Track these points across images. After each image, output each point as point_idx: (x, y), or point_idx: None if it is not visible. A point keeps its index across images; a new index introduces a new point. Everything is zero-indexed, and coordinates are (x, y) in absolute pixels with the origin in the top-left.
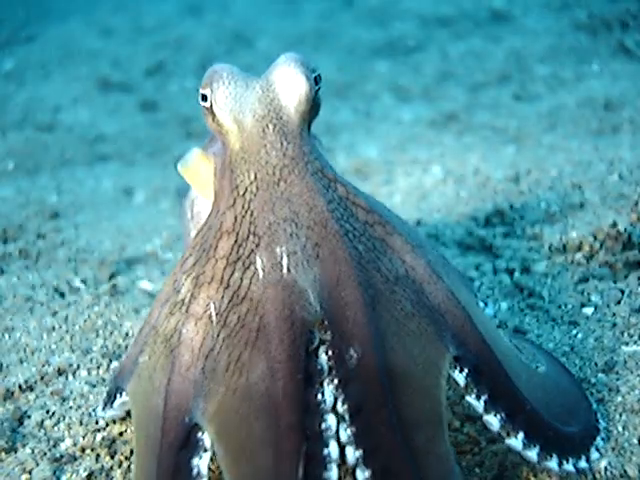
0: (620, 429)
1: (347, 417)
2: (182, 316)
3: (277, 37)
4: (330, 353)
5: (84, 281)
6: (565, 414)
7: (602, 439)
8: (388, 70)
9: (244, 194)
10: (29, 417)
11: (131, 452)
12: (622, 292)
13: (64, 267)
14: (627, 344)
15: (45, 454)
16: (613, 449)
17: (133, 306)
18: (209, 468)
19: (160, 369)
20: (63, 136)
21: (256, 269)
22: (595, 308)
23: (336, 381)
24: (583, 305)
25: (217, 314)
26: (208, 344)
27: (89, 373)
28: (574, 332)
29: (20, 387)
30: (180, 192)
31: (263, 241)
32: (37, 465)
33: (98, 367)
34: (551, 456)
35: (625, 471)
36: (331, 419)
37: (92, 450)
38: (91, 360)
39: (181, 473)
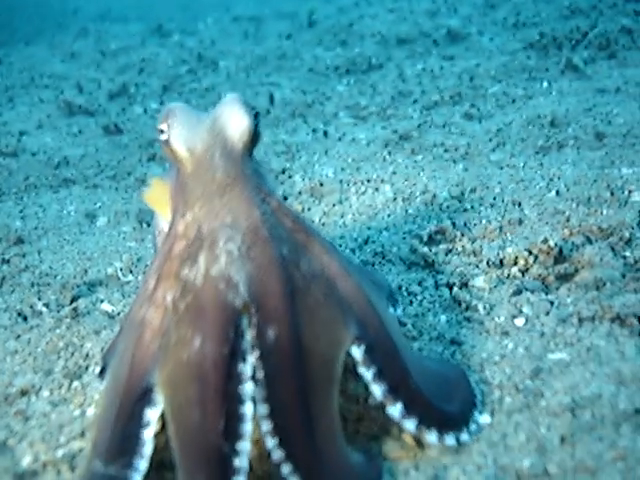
0: (543, 430)
1: (262, 382)
2: (146, 305)
3: (240, 58)
4: (254, 332)
5: (46, 305)
6: (447, 396)
7: (479, 412)
8: (347, 89)
9: (193, 206)
10: None
11: None
12: (552, 303)
13: (27, 291)
14: (553, 352)
15: (8, 470)
16: (536, 449)
17: (94, 328)
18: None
19: (129, 347)
20: (27, 161)
21: (200, 265)
22: (526, 319)
23: (257, 354)
24: (515, 317)
25: (172, 302)
26: (164, 325)
27: (51, 393)
28: (505, 342)
29: None
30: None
31: (206, 242)
32: None
33: (60, 387)
34: (429, 429)
35: (546, 469)
36: (249, 386)
37: (53, 465)
38: (53, 381)
39: (134, 419)
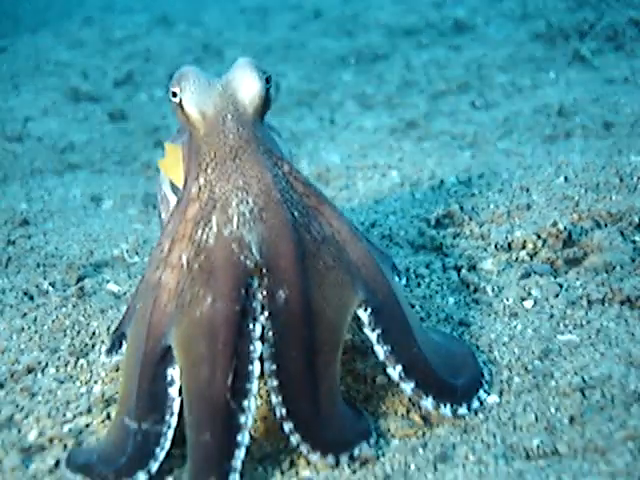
0: (553, 410)
1: (270, 342)
2: (162, 267)
3: (246, 48)
4: (264, 293)
5: (52, 284)
6: (451, 370)
7: (485, 392)
8: (353, 79)
9: (206, 169)
10: (0, 412)
11: (97, 441)
12: (561, 286)
13: (33, 272)
14: (562, 333)
15: (14, 445)
16: (545, 429)
17: (100, 307)
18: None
19: (146, 310)
20: (33, 146)
21: (212, 226)
22: (535, 301)
23: (266, 314)
24: (524, 299)
25: (187, 262)
26: (180, 286)
27: (57, 370)
28: (514, 324)
29: None
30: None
31: (219, 204)
32: (7, 454)
33: (66, 365)
34: (426, 395)
35: (556, 449)
36: (258, 345)
37: (60, 440)
38: (59, 358)
39: (158, 379)
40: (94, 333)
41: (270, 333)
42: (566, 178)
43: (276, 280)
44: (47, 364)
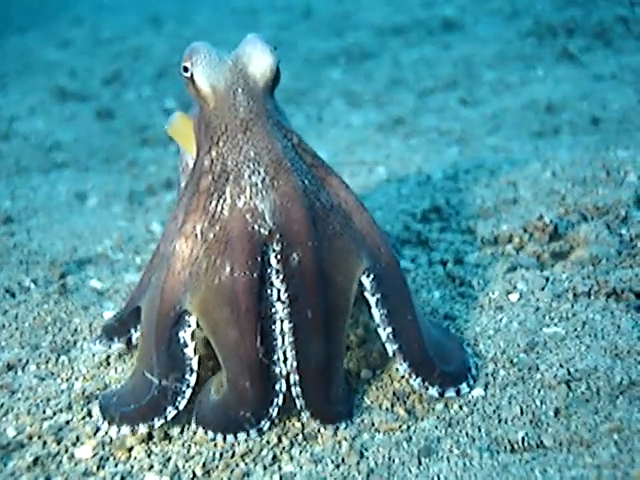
0: (538, 403)
1: (287, 302)
2: (176, 236)
3: (235, 47)
4: (279, 257)
5: (34, 281)
6: (442, 357)
7: (469, 384)
8: (341, 77)
9: (217, 142)
10: None
11: (77, 438)
12: (547, 279)
13: (15, 269)
14: (548, 326)
15: None
16: (530, 421)
17: (82, 304)
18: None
19: (160, 278)
20: (19, 145)
21: (226, 197)
22: (520, 295)
23: (282, 276)
24: (509, 292)
25: (200, 233)
26: (194, 255)
27: (38, 367)
28: (500, 317)
29: None
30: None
31: (232, 176)
32: None
33: (47, 361)
34: (404, 361)
35: (542, 441)
36: (278, 305)
37: (39, 437)
38: (40, 355)
39: (172, 341)
40: (76, 330)
41: (285, 294)
42: (553, 173)
43: (290, 243)
44: (28, 361)
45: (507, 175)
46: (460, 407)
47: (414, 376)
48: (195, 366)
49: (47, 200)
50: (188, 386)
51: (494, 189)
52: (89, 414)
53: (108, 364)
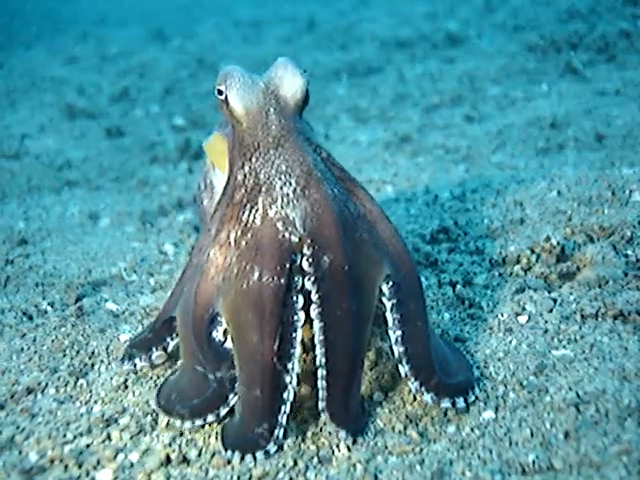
0: (548, 426)
1: (318, 302)
2: (210, 246)
3: (240, 61)
4: (310, 260)
5: (51, 304)
6: (443, 368)
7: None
8: (347, 92)
9: (250, 158)
10: (0, 433)
11: (97, 462)
12: (554, 301)
13: (32, 291)
14: (557, 348)
15: (15, 466)
16: (541, 444)
17: (99, 326)
18: None
19: (195, 284)
20: (30, 163)
21: (259, 208)
22: (529, 316)
23: (313, 278)
24: (518, 314)
25: (234, 241)
26: (227, 261)
27: (57, 391)
28: (509, 339)
29: None
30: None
31: (264, 188)
32: (8, 476)
33: (65, 385)
34: (415, 379)
35: (552, 464)
36: (301, 314)
37: (60, 461)
38: (59, 378)
39: (210, 340)
40: (93, 352)
41: (317, 295)
42: (559, 192)
43: (321, 247)
44: (47, 384)
45: (514, 194)
46: (472, 429)
47: (413, 379)
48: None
49: (60, 221)
50: (232, 374)
51: (501, 209)
52: (108, 437)
53: (126, 387)
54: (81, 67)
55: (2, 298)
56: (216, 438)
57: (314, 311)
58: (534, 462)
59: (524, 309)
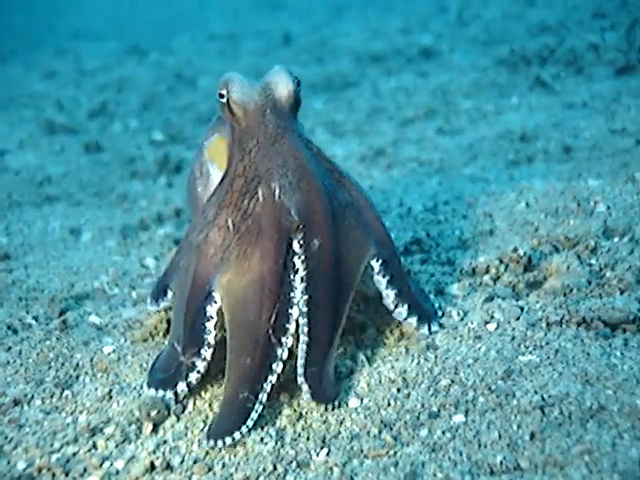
0: (515, 428)
1: (305, 278)
2: (208, 227)
3: (218, 75)
4: (301, 242)
5: (35, 318)
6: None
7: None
8: (323, 107)
9: (250, 152)
10: None
11: (84, 470)
12: (522, 309)
13: (16, 305)
14: (523, 354)
15: (5, 475)
16: (508, 445)
17: (82, 339)
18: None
19: (192, 262)
20: (10, 179)
21: (259, 197)
22: (497, 324)
23: (303, 257)
24: (487, 322)
25: (232, 224)
26: (226, 243)
27: (43, 402)
28: (478, 346)
29: None
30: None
31: (263, 179)
32: None
33: (51, 396)
34: (403, 304)
35: (518, 464)
36: (297, 292)
37: (48, 470)
38: (44, 390)
39: (200, 314)
40: (78, 364)
41: (305, 272)
42: (527, 204)
43: (312, 232)
44: (33, 396)
45: (484, 206)
46: (443, 433)
47: (401, 304)
48: (212, 341)
49: (42, 236)
50: (204, 359)
51: (472, 220)
52: (94, 446)
53: (110, 397)
54: (59, 82)
55: None
56: (199, 445)
57: (301, 286)
58: (502, 462)
59: (493, 317)
